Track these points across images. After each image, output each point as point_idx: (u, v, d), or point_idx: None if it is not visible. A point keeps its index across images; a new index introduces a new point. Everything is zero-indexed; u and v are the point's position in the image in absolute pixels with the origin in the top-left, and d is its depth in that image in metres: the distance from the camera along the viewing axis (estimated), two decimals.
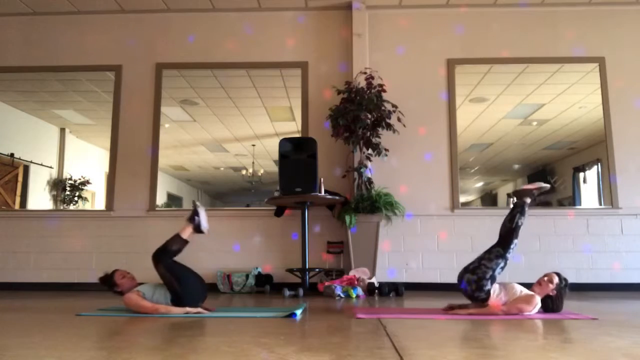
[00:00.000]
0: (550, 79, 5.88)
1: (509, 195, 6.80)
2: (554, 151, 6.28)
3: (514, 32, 5.88)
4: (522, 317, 2.90)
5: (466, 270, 3.11)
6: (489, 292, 3.02)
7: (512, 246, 3.15)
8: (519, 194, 3.33)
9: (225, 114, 6.70)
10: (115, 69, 6.01)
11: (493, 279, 3.05)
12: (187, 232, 3.26)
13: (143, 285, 3.20)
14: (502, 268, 3.10)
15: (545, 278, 3.11)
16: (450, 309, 3.17)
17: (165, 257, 3.16)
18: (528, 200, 3.30)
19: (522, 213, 3.23)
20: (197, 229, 3.30)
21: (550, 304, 3.06)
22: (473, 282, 3.02)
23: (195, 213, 3.31)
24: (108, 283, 3.16)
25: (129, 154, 5.85)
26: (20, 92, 6.74)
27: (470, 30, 5.91)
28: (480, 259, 3.12)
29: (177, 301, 3.07)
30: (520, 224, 3.20)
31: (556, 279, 3.10)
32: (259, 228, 5.65)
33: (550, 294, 3.06)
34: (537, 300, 2.99)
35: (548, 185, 3.33)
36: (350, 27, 5.84)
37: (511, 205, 3.37)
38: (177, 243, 3.21)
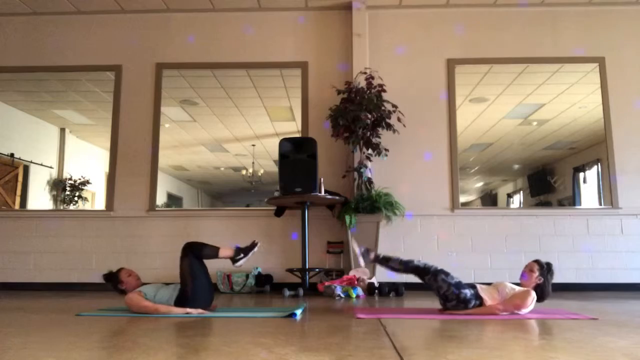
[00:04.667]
0: (550, 79, 5.88)
1: (509, 196, 6.80)
2: (554, 151, 6.27)
3: (514, 32, 5.88)
4: (522, 317, 2.90)
5: (445, 304, 3.08)
6: (476, 296, 3.01)
7: (427, 267, 3.13)
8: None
9: (225, 114, 6.70)
10: (115, 69, 6.01)
11: (460, 285, 3.03)
12: (224, 254, 3.28)
13: (145, 285, 3.21)
14: (449, 275, 3.07)
15: (526, 269, 3.11)
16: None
17: (193, 254, 3.20)
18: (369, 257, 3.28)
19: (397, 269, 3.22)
20: (233, 260, 3.32)
21: (540, 292, 3.05)
22: (460, 304, 3.01)
23: (245, 253, 3.33)
24: (113, 280, 3.17)
25: (129, 154, 5.85)
26: (20, 92, 6.74)
27: (470, 30, 5.91)
28: (439, 292, 3.09)
29: (182, 300, 3.08)
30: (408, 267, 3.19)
31: (536, 266, 3.09)
32: (259, 228, 5.64)
33: (538, 282, 3.06)
34: (533, 294, 2.99)
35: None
36: (350, 27, 5.84)
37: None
38: (210, 253, 3.24)
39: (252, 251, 3.36)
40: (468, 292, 3.02)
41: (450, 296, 3.02)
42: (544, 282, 3.06)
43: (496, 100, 6.06)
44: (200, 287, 3.15)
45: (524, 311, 2.96)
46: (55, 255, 5.69)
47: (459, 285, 3.03)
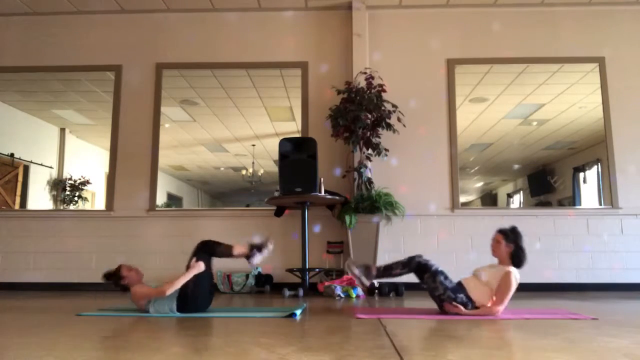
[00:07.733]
0: (550, 79, 5.88)
1: (509, 196, 6.80)
2: (554, 151, 6.28)
3: (514, 32, 5.88)
4: (522, 317, 2.90)
5: (441, 306, 3.06)
6: (468, 298, 2.99)
7: (428, 264, 3.10)
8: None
9: (225, 114, 6.71)
10: (115, 69, 6.01)
11: (456, 290, 3.01)
12: (239, 251, 3.26)
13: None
14: (447, 279, 3.05)
15: (493, 242, 3.11)
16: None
17: (207, 252, 3.19)
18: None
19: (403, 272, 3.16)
20: (248, 258, 3.30)
21: (516, 260, 3.04)
22: (459, 302, 2.98)
23: (259, 249, 3.30)
24: (114, 277, 3.17)
25: (129, 154, 5.85)
26: (20, 92, 6.74)
27: (470, 30, 5.91)
28: (434, 293, 3.06)
29: (183, 300, 3.07)
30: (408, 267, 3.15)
31: (500, 235, 3.09)
32: (259, 228, 5.64)
33: (509, 250, 3.04)
34: (513, 272, 2.98)
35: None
36: (350, 27, 5.84)
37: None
38: (225, 251, 3.23)
39: (267, 248, 3.31)
40: (463, 297, 3.00)
41: (447, 300, 3.00)
42: (516, 248, 3.05)
43: (496, 100, 6.06)
44: (202, 290, 3.14)
45: (512, 288, 2.94)
46: (55, 255, 5.69)
47: (455, 290, 3.01)
